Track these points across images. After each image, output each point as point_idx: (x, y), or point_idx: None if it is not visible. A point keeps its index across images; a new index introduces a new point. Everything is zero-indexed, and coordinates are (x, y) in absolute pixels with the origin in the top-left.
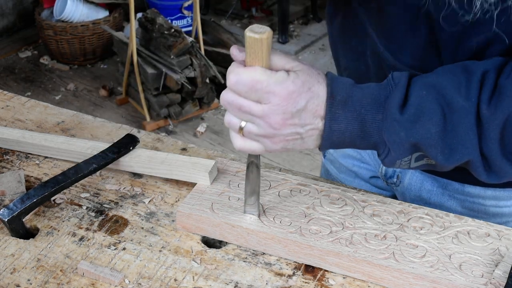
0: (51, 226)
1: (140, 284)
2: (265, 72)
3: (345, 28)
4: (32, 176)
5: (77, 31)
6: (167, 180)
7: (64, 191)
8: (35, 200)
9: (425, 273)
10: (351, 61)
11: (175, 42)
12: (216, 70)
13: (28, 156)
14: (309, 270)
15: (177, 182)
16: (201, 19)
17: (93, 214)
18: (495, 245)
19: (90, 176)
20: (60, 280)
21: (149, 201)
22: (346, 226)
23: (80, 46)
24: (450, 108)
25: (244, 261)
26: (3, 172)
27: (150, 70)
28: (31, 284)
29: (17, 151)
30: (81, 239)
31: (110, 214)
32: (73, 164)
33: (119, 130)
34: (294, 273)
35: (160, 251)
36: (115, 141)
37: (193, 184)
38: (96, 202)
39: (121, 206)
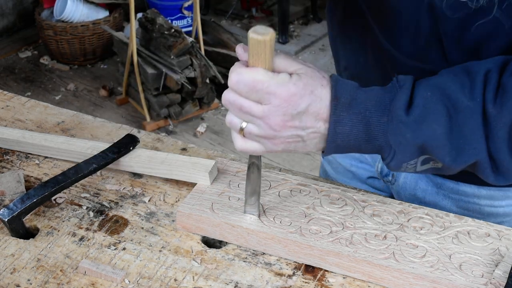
0: (51, 226)
1: (140, 284)
2: (267, 73)
3: (346, 25)
4: (32, 176)
5: (77, 31)
6: (167, 180)
7: (64, 191)
8: (35, 200)
9: (425, 273)
10: (351, 60)
11: (175, 42)
12: (216, 70)
13: (28, 156)
14: (309, 270)
15: (177, 182)
16: (201, 19)
17: (93, 214)
18: (495, 245)
19: (90, 176)
20: (60, 280)
21: (149, 201)
22: (346, 226)
23: (80, 46)
24: (455, 108)
25: (244, 261)
26: (3, 172)
27: (150, 70)
28: (31, 284)
29: (17, 151)
30: (81, 239)
31: (110, 214)
32: (73, 164)
33: (119, 130)
34: (294, 273)
35: (160, 251)
36: (115, 141)
37: (193, 184)
38: (96, 202)
39: (121, 206)
